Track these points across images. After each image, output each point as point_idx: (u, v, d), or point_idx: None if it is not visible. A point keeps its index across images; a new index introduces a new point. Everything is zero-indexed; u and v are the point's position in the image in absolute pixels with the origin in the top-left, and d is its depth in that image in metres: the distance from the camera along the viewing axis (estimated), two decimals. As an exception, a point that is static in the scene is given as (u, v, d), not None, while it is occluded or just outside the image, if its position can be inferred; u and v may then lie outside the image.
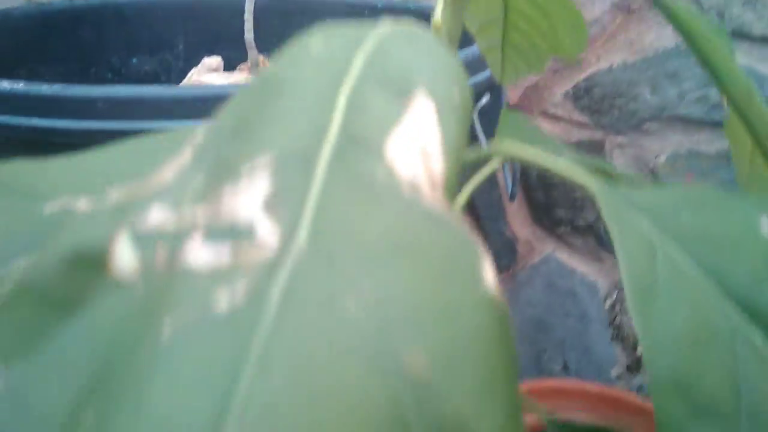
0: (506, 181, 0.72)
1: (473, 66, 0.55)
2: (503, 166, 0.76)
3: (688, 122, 0.78)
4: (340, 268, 0.09)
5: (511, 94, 0.89)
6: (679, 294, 0.14)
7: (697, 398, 0.13)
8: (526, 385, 0.68)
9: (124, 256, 0.10)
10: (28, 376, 0.09)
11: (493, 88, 0.66)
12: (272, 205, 0.10)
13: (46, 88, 0.46)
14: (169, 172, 0.11)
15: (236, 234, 0.10)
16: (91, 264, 0.10)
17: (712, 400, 0.14)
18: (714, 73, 0.21)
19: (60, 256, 0.10)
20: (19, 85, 0.47)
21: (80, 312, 0.10)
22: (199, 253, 0.10)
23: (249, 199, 0.10)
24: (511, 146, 0.17)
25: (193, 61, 0.72)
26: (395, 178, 0.10)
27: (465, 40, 0.44)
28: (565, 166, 0.16)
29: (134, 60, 0.85)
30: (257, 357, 0.09)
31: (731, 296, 0.15)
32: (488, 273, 0.09)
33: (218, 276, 0.10)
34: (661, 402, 0.13)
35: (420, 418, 0.08)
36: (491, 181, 0.95)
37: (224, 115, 0.12)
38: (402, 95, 0.11)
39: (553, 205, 0.92)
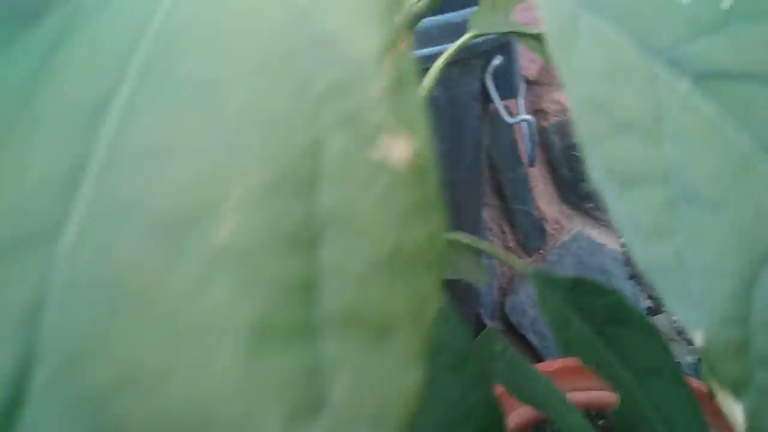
0: (525, 145, 0.73)
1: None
2: (521, 130, 0.77)
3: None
4: None
5: (530, 68, 0.89)
6: (599, 42, 0.15)
7: (616, 116, 0.15)
8: (548, 365, 0.68)
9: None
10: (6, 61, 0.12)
11: (504, 49, 0.67)
12: None
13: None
14: None
15: None
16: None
17: (632, 118, 0.15)
18: None
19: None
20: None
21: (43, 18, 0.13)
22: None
23: None
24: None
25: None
26: None
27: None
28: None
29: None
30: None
31: (653, 52, 0.16)
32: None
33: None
34: (580, 120, 0.15)
35: (303, 29, 0.10)
36: (516, 158, 0.96)
37: None
38: None
39: (579, 179, 0.91)
